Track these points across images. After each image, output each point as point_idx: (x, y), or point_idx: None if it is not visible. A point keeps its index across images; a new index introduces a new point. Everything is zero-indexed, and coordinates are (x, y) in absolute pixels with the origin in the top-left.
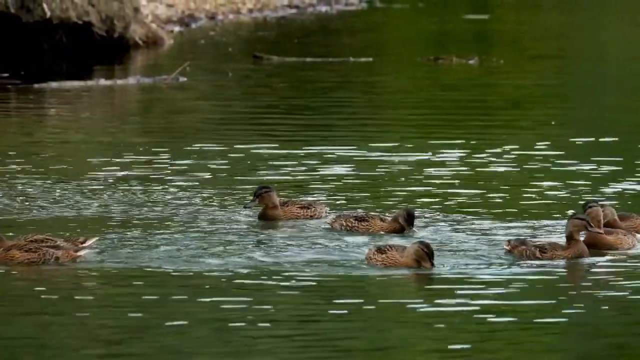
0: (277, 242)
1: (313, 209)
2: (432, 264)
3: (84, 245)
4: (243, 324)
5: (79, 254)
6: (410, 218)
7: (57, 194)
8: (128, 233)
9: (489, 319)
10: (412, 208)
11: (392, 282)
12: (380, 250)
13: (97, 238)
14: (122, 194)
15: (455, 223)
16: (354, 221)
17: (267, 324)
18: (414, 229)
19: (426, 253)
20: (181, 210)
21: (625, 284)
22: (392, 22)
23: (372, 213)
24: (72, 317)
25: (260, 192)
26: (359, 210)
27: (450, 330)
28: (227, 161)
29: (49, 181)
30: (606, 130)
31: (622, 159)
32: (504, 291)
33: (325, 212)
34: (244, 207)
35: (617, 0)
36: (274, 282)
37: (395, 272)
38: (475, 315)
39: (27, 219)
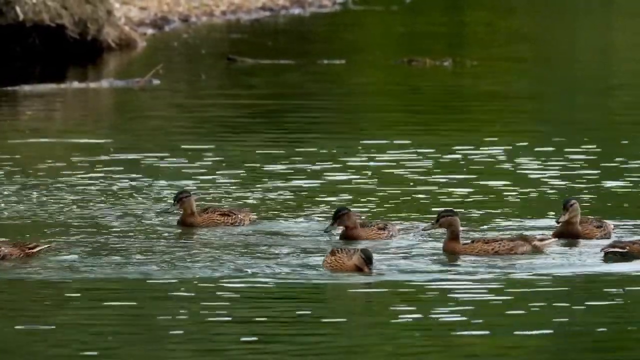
0: (212, 251)
1: (234, 216)
2: (370, 269)
3: (32, 251)
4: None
5: None
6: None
7: (25, 197)
8: (64, 239)
9: (455, 326)
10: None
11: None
12: (332, 252)
13: (48, 245)
14: (85, 197)
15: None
16: None
17: (225, 335)
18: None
19: (364, 259)
20: (127, 216)
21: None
22: (366, 25)
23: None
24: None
25: (181, 196)
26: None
27: (414, 336)
28: (199, 163)
29: (18, 184)
30: (580, 131)
31: (595, 158)
32: (479, 297)
33: (250, 219)
34: (166, 212)
35: (589, 4)
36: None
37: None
38: (437, 322)
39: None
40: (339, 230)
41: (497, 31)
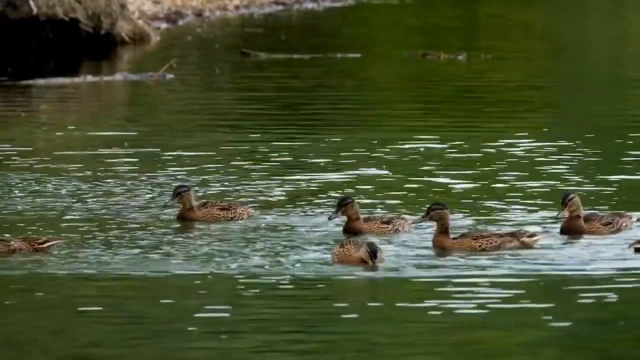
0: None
1: (233, 210)
2: (373, 262)
3: (42, 246)
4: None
5: None
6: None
7: (38, 190)
8: (81, 234)
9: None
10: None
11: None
12: (341, 244)
13: (58, 240)
14: (97, 191)
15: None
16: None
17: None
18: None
19: (368, 253)
20: (136, 210)
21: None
22: (380, 18)
23: (373, 214)
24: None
25: (179, 191)
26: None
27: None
28: (212, 157)
29: (32, 177)
30: (594, 124)
31: (610, 151)
32: (486, 291)
33: (248, 213)
34: (164, 206)
35: None
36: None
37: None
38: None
39: (4, 216)
40: (343, 220)
41: (511, 24)
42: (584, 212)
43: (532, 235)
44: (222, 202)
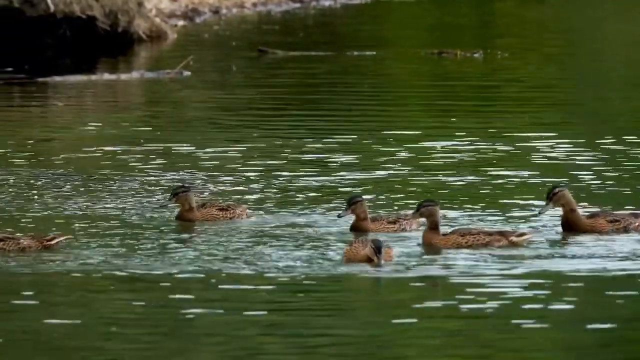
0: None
1: (232, 210)
2: (378, 259)
3: (50, 243)
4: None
5: None
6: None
7: (54, 188)
8: (87, 232)
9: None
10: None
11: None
12: (350, 243)
13: (67, 237)
14: (113, 188)
15: (458, 215)
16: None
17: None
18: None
19: (374, 249)
20: (147, 209)
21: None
22: (396, 16)
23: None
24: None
25: (177, 191)
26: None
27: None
28: (228, 155)
29: (48, 175)
30: (610, 122)
31: (625, 149)
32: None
33: (246, 214)
34: (160, 206)
35: None
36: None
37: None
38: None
39: (20, 212)
40: (351, 219)
41: (526, 22)
42: (607, 210)
43: (521, 234)
44: (221, 203)
